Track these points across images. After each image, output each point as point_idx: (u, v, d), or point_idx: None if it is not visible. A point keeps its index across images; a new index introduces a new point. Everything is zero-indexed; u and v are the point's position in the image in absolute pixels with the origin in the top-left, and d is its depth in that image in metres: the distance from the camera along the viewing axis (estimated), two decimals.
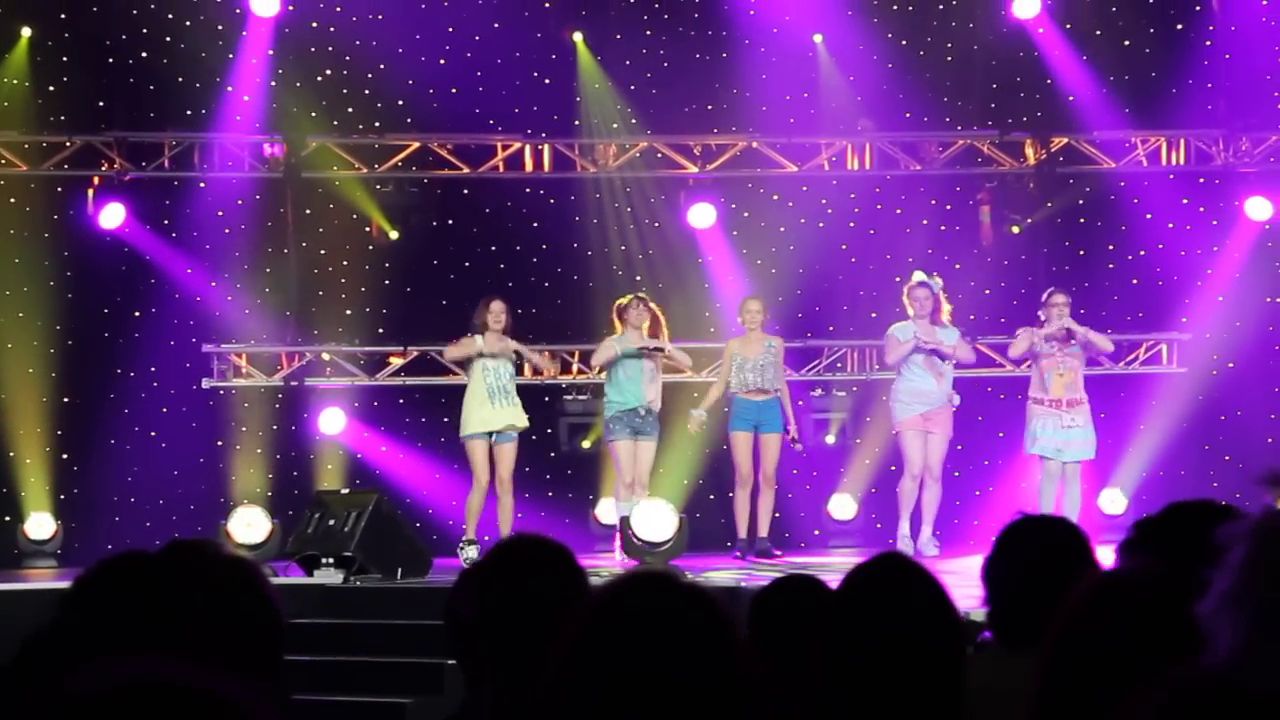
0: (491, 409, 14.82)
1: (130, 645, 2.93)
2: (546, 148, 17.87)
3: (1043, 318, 15.13)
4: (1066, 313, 15.07)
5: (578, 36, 17.70)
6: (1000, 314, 17.24)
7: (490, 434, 14.82)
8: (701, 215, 17.68)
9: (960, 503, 16.80)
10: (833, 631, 3.59)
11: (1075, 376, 15.07)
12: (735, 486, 15.50)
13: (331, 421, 17.26)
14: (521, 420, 14.96)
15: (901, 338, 15.33)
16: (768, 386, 15.38)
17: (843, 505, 17.67)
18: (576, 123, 17.79)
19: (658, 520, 14.47)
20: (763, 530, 15.51)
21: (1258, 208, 17.63)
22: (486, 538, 14.61)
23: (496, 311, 14.90)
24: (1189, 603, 1.83)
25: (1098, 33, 17.88)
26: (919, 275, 15.46)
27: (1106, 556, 4.12)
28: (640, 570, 2.71)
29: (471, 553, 14.56)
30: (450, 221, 17.84)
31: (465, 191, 17.93)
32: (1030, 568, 4.25)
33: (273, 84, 17.30)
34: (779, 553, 15.52)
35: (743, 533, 15.50)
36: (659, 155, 17.98)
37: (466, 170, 17.77)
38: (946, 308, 15.42)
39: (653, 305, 15.43)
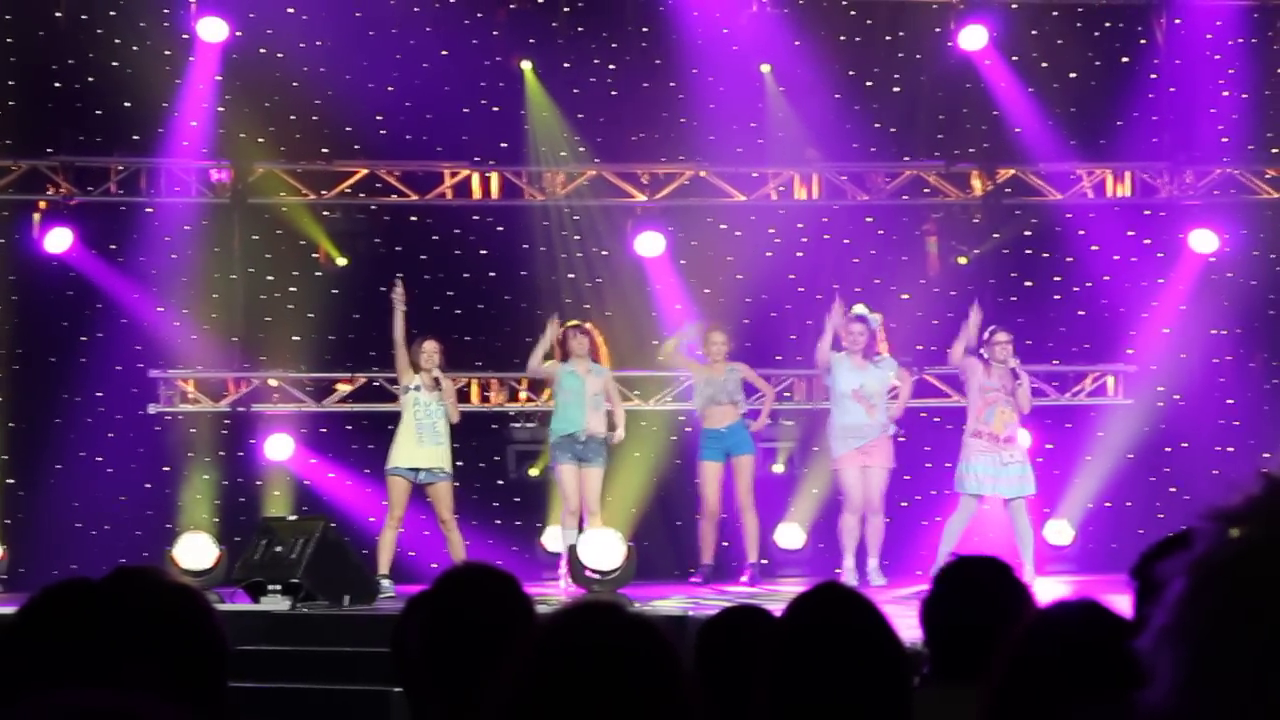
0: (419, 447, 14.77)
1: (72, 675, 2.92)
2: (494, 175, 17.87)
3: (984, 355, 15.16)
4: (1010, 350, 15.14)
5: (526, 65, 17.68)
6: (946, 345, 17.15)
7: (415, 471, 14.78)
8: (649, 244, 17.67)
9: (908, 533, 16.84)
10: (775, 662, 3.59)
11: (1013, 416, 15.14)
12: (700, 517, 15.60)
13: (278, 448, 17.19)
14: (447, 463, 14.89)
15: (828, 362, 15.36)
16: (735, 399, 15.45)
17: (790, 534, 17.62)
18: (525, 150, 17.78)
19: (606, 549, 14.43)
20: (751, 555, 15.57)
21: (1202, 240, 17.72)
22: (434, 565, 14.59)
23: (429, 351, 14.83)
24: (1130, 638, 1.84)
25: (1044, 65, 17.96)
26: (859, 309, 15.50)
27: (1052, 589, 4.16)
28: (586, 600, 2.71)
29: (386, 586, 14.34)
30: (398, 248, 17.78)
31: (413, 218, 17.89)
32: (966, 608, 4.27)
33: (220, 109, 17.24)
34: (762, 579, 15.55)
35: (707, 558, 15.54)
36: (607, 183, 17.99)
37: (414, 197, 17.73)
38: (884, 345, 15.47)
39: (589, 326, 15.44)
